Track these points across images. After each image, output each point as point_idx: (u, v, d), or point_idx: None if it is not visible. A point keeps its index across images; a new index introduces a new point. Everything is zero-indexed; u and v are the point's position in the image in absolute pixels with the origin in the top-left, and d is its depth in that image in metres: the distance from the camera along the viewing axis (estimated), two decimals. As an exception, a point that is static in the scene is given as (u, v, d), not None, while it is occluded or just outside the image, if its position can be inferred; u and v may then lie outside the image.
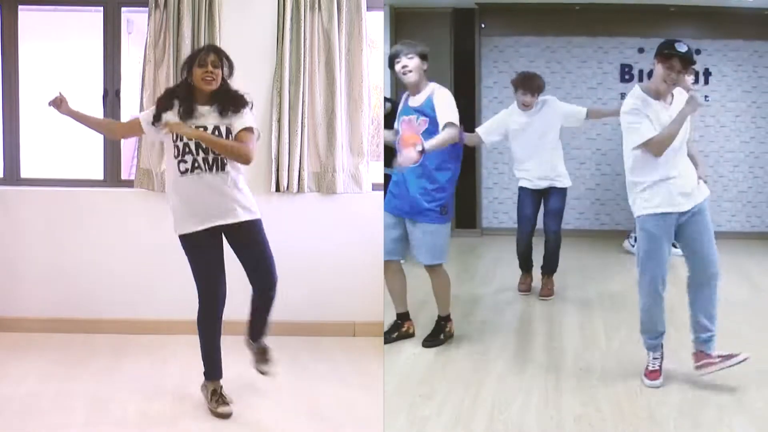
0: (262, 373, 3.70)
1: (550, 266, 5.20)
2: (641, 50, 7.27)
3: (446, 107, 3.91)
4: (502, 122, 5.11)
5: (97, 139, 4.71)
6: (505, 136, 5.13)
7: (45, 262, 4.80)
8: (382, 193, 4.72)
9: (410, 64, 3.95)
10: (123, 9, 4.93)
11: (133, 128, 3.78)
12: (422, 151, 3.73)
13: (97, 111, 4.86)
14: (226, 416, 3.55)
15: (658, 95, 3.44)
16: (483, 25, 7.34)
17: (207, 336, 3.64)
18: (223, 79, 3.52)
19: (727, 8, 6.87)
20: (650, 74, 7.46)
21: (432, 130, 3.90)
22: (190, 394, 3.77)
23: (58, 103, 3.66)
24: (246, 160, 3.49)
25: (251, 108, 3.59)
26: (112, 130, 4.01)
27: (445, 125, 3.85)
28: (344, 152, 4.86)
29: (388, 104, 5.21)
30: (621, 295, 5.12)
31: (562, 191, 5.09)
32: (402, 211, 4.09)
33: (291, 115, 4.79)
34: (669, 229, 3.48)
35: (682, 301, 3.66)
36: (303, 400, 3.81)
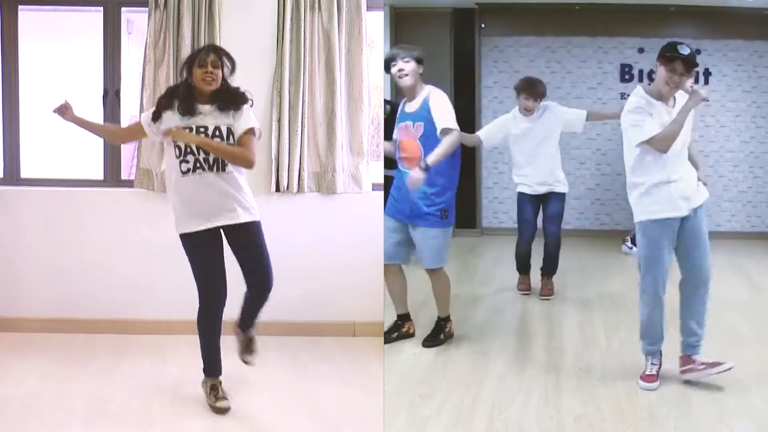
0: (246, 362, 3.74)
1: (550, 268, 5.21)
2: (641, 50, 7.28)
3: (442, 112, 3.91)
4: (503, 126, 5.12)
5: (97, 140, 4.69)
6: (505, 139, 5.14)
7: (45, 262, 4.80)
8: (382, 193, 4.73)
9: (406, 67, 3.95)
10: (123, 9, 4.92)
11: (136, 132, 3.79)
12: (426, 168, 3.78)
13: (97, 111, 4.87)
14: (224, 411, 3.57)
15: (660, 97, 3.44)
16: (483, 25, 7.35)
17: (207, 335, 3.65)
18: (223, 78, 3.53)
19: (727, 8, 6.88)
20: (650, 74, 7.52)
21: (429, 135, 3.91)
22: (190, 394, 3.77)
23: (64, 111, 3.67)
24: (249, 165, 3.51)
25: (251, 105, 3.59)
26: (115, 135, 4.05)
27: (442, 131, 3.86)
28: (344, 152, 4.86)
29: (388, 107, 5.21)
30: (621, 295, 5.12)
31: (561, 196, 5.11)
32: (403, 215, 4.09)
33: (291, 115, 4.79)
34: (671, 234, 3.49)
35: (682, 301, 3.66)
36: (303, 400, 3.81)
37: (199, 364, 3.72)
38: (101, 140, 4.84)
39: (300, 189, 4.83)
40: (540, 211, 5.17)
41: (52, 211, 4.81)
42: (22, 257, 4.80)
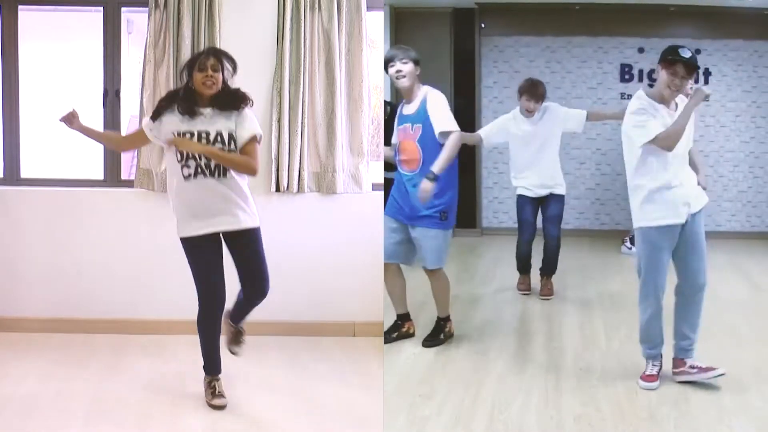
0: (233, 353, 3.81)
1: (549, 268, 5.21)
2: (641, 50, 7.28)
3: (440, 114, 3.92)
4: (503, 127, 5.12)
5: (97, 140, 4.70)
6: (505, 140, 5.14)
7: (45, 262, 4.80)
8: (382, 193, 4.72)
9: (404, 69, 3.95)
10: (123, 9, 4.92)
11: (138, 139, 3.81)
12: (435, 177, 3.80)
13: (97, 111, 4.87)
14: (220, 408, 3.60)
15: (662, 101, 3.44)
16: (483, 25, 7.35)
17: (207, 336, 3.67)
18: (224, 81, 3.53)
19: (727, 8, 6.88)
20: (650, 74, 7.51)
21: (428, 136, 3.92)
22: (190, 394, 3.77)
23: (70, 119, 3.68)
24: (253, 173, 3.54)
25: (251, 105, 3.60)
26: (118, 143, 4.08)
27: (441, 134, 3.87)
28: (344, 152, 4.86)
29: (388, 108, 5.21)
30: (621, 295, 5.12)
31: (561, 197, 5.11)
32: (403, 215, 4.09)
33: (291, 115, 4.79)
34: (671, 240, 3.49)
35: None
36: (303, 400, 3.80)
37: (199, 364, 3.73)
38: (101, 141, 4.85)
39: (300, 189, 4.83)
40: (539, 213, 5.17)
41: (52, 211, 4.81)
42: (22, 257, 4.80)
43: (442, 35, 7.28)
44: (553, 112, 5.05)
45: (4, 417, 3.46)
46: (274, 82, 4.79)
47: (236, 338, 3.80)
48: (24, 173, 4.96)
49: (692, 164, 3.63)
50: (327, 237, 4.87)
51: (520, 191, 5.15)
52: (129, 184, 4.89)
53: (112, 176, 4.96)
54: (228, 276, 3.61)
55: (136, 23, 5.56)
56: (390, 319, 4.33)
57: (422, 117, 3.94)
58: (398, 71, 3.96)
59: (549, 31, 7.32)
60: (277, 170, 4.81)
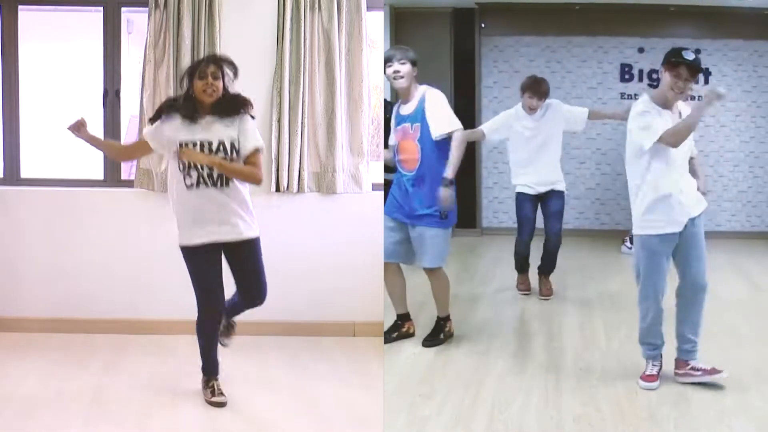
0: (222, 344, 3.85)
1: (548, 267, 5.20)
2: (641, 50, 7.28)
3: (440, 114, 3.93)
4: (505, 123, 5.10)
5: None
6: (507, 135, 5.13)
7: (45, 262, 4.80)
8: (382, 193, 4.72)
9: (402, 69, 3.95)
10: (123, 9, 4.92)
11: (141, 149, 3.83)
12: (451, 183, 3.86)
13: (97, 111, 4.86)
14: (220, 405, 3.63)
15: (665, 104, 3.43)
16: (483, 25, 7.35)
17: (206, 340, 3.71)
18: (224, 87, 3.54)
19: (727, 8, 6.88)
20: (650, 74, 7.51)
21: (426, 136, 3.93)
22: (189, 394, 3.77)
23: (78, 128, 3.68)
24: (258, 183, 3.59)
25: (252, 109, 3.60)
26: (120, 153, 4.10)
27: (439, 136, 3.88)
28: (344, 152, 4.86)
29: (389, 107, 5.20)
30: (621, 295, 5.12)
31: (562, 193, 5.10)
32: (402, 215, 4.09)
33: (291, 115, 4.79)
34: (670, 245, 3.50)
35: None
36: (303, 400, 3.80)
37: (198, 364, 3.74)
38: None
39: (300, 189, 4.83)
40: (539, 210, 5.16)
41: (52, 211, 4.81)
42: (22, 257, 4.80)
43: (442, 35, 7.28)
44: (555, 109, 5.05)
45: (4, 417, 3.46)
46: (274, 82, 4.79)
47: (227, 331, 3.89)
48: (24, 173, 4.96)
49: (692, 171, 3.63)
50: (327, 237, 4.87)
51: (519, 189, 5.14)
52: (129, 184, 4.89)
53: (112, 176, 4.96)
54: (227, 277, 3.63)
55: (136, 23, 5.57)
56: (390, 319, 4.33)
57: (420, 116, 3.94)
58: (396, 71, 3.96)
59: (549, 30, 7.32)
60: (277, 170, 4.81)
